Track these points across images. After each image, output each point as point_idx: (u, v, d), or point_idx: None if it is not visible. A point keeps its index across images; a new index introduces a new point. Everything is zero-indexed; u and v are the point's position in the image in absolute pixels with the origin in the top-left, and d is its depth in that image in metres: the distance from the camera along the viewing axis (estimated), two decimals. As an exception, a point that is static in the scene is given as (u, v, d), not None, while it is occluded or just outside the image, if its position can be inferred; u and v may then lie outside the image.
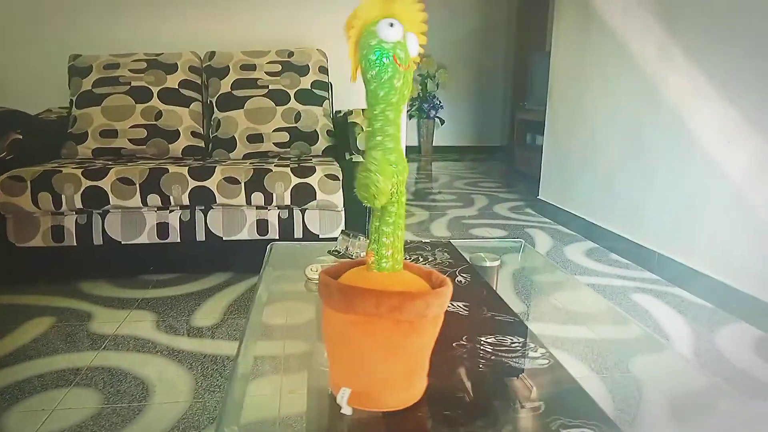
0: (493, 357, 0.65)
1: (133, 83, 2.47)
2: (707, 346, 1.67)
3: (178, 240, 2.08)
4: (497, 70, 6.53)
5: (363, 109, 2.33)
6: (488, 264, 0.98)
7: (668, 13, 2.27)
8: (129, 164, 2.13)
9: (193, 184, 2.02)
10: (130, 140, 2.39)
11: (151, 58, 2.56)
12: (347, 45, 0.57)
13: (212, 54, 2.65)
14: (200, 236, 2.09)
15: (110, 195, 1.97)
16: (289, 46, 2.91)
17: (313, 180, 2.08)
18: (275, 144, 2.49)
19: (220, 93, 2.55)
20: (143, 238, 2.06)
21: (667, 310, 1.96)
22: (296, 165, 2.14)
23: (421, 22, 0.54)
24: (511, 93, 6.37)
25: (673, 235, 2.26)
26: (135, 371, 1.46)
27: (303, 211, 2.13)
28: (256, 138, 2.47)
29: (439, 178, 4.89)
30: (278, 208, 2.11)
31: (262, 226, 2.11)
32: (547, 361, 0.65)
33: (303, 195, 2.07)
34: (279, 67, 2.61)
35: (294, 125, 2.51)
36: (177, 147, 2.44)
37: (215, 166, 2.07)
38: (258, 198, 2.05)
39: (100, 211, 2.01)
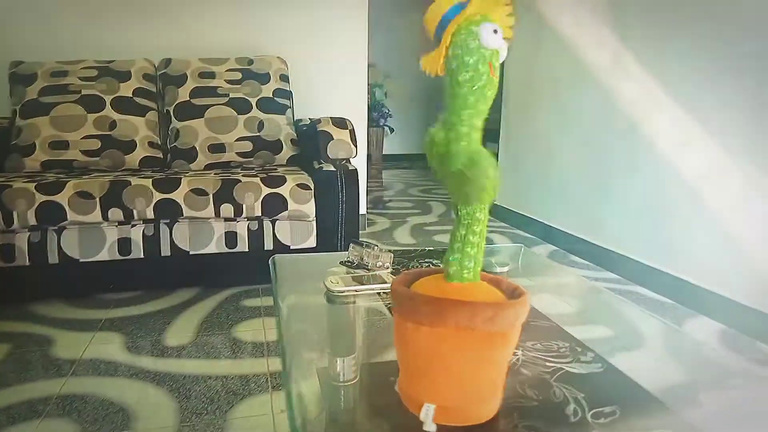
0: (549, 363, 0.65)
1: (84, 91, 2.34)
2: (677, 341, 1.75)
3: (142, 256, 1.98)
4: (443, 77, 6.64)
5: (334, 118, 2.30)
6: (498, 270, 0.98)
7: (621, 23, 2.38)
8: (84, 177, 2.00)
9: (158, 196, 1.93)
10: (82, 152, 2.25)
11: (102, 66, 2.44)
12: (428, 33, 0.55)
13: (168, 61, 2.55)
14: (165, 251, 2.00)
15: (68, 210, 1.85)
16: (247, 53, 2.85)
17: (284, 190, 2.03)
18: (238, 154, 2.41)
19: (177, 101, 2.45)
20: (103, 255, 1.94)
21: (632, 308, 2.04)
22: (265, 175, 2.08)
23: (509, 28, 0.53)
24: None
25: (632, 235, 2.37)
26: (111, 397, 1.37)
27: (273, 222, 2.08)
28: (218, 148, 2.39)
29: (393, 186, 4.91)
30: (248, 220, 2.05)
31: (230, 238, 2.04)
32: (600, 365, 0.65)
33: (274, 205, 2.02)
34: (239, 75, 2.54)
35: (257, 134, 2.45)
36: (134, 158, 2.32)
37: (181, 178, 1.99)
38: (227, 209, 1.99)
39: (56, 228, 1.88)
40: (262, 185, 2.02)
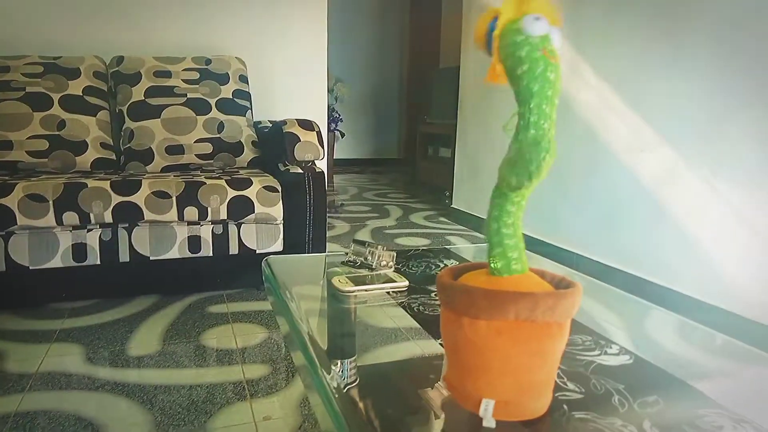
0: (578, 357, 0.66)
1: (29, 89, 2.20)
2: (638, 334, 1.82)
3: (98, 262, 1.87)
4: (393, 84, 6.70)
5: (300, 120, 2.26)
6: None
7: (576, 31, 2.48)
8: (33, 179, 1.88)
9: (117, 199, 1.83)
10: (28, 152, 2.11)
11: (49, 62, 2.30)
12: (480, 49, 0.55)
13: (120, 59, 2.43)
14: (124, 257, 1.90)
15: (17, 214, 1.73)
16: (203, 53, 2.77)
17: (250, 192, 1.98)
18: (197, 156, 2.33)
19: (131, 101, 2.35)
20: (56, 262, 1.82)
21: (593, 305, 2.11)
22: (230, 177, 2.02)
23: (555, 15, 0.53)
24: (406, 107, 6.56)
25: (590, 237, 2.46)
26: (76, 411, 1.28)
27: (239, 226, 2.02)
28: (176, 149, 2.30)
29: (348, 190, 4.89)
30: (212, 223, 1.98)
31: (193, 243, 1.97)
32: (629, 357, 0.66)
33: (240, 208, 1.97)
34: (197, 75, 2.46)
35: (217, 136, 2.37)
36: (85, 160, 2.20)
37: (141, 180, 1.90)
38: (191, 213, 1.91)
39: (3, 233, 1.75)
40: (227, 188, 1.96)
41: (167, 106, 2.35)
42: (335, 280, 0.85)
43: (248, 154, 2.43)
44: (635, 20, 2.16)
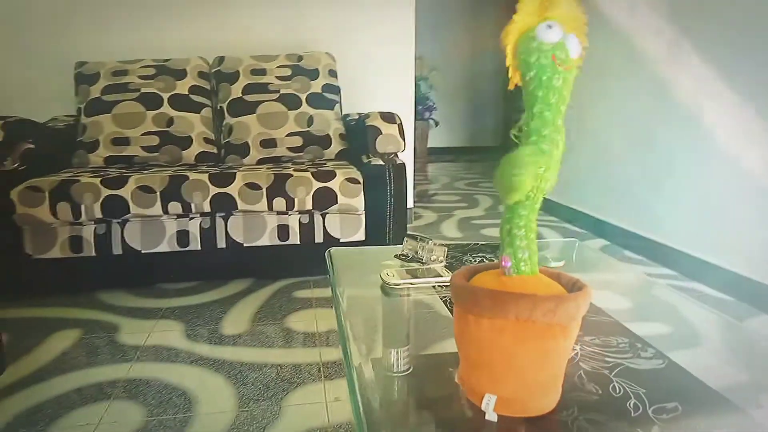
0: (606, 358, 0.65)
1: (143, 90, 2.44)
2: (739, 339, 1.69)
3: (199, 248, 2.06)
4: (490, 69, 6.58)
5: (383, 113, 2.31)
6: (553, 265, 0.98)
7: (678, 10, 2.30)
8: (145, 172, 2.10)
9: (214, 190, 2.00)
10: (142, 147, 2.35)
11: (160, 64, 2.53)
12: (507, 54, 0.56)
13: (221, 59, 2.62)
14: (221, 243, 2.07)
15: (130, 203, 1.94)
16: (297, 49, 2.90)
17: (334, 184, 2.07)
18: (288, 149, 2.47)
19: (231, 98, 2.53)
20: (163, 247, 2.03)
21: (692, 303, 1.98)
22: (316, 169, 2.13)
23: (581, 23, 0.53)
24: (504, 93, 6.41)
25: (690, 231, 2.29)
26: (174, 382, 1.44)
27: (324, 216, 2.12)
28: (269, 143, 2.45)
29: (438, 180, 4.90)
30: (299, 213, 2.10)
31: (282, 231, 2.10)
32: (662, 361, 0.65)
33: (324, 199, 2.06)
34: (289, 71, 2.59)
35: (307, 129, 2.49)
36: (190, 154, 2.41)
37: (236, 172, 2.05)
38: (279, 203, 2.04)
39: (120, 221, 1.98)
40: (313, 179, 2.06)
41: (262, 102, 2.50)
42: (383, 273, 0.89)
43: (336, 147, 2.53)
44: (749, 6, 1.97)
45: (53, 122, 2.49)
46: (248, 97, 2.51)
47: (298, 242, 2.12)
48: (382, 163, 2.16)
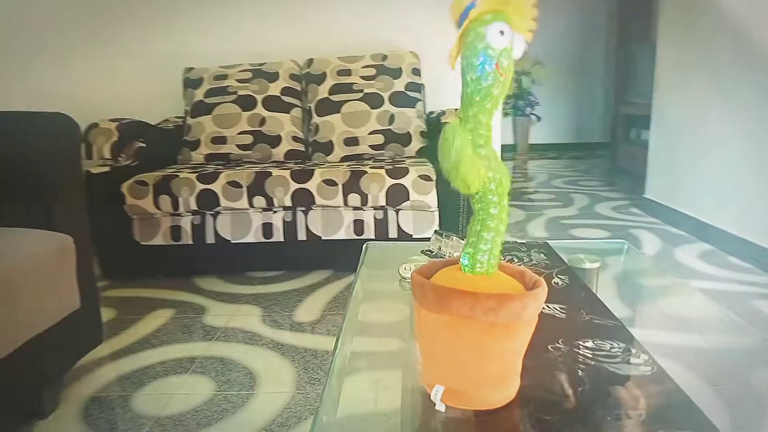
0: (591, 362, 0.63)
1: (240, 92, 2.64)
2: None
3: (282, 239, 2.20)
4: (597, 63, 6.24)
5: (455, 109, 2.32)
6: (588, 266, 0.95)
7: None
8: (237, 168, 2.28)
9: (294, 186, 2.13)
10: (237, 146, 2.55)
11: (256, 68, 2.72)
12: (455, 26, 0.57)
13: (310, 61, 2.76)
14: (301, 236, 2.20)
15: (221, 197, 2.12)
16: (383, 49, 2.97)
17: (406, 181, 2.11)
18: (370, 146, 2.55)
19: (318, 98, 2.66)
20: (250, 238, 2.19)
21: (718, 315, 1.78)
22: (391, 166, 2.18)
23: (531, 21, 0.54)
24: (613, 87, 6.05)
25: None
26: (243, 362, 1.57)
27: (397, 212, 2.17)
28: (352, 141, 2.55)
29: (536, 177, 4.76)
30: (373, 209, 2.17)
31: (358, 226, 2.18)
32: (650, 369, 0.62)
33: (397, 196, 2.11)
34: (373, 71, 2.67)
35: (388, 127, 2.56)
36: (279, 151, 2.57)
37: (314, 169, 2.17)
38: (354, 199, 2.12)
39: (212, 212, 2.17)
40: (386, 176, 2.12)
41: (346, 101, 2.60)
42: (401, 268, 0.92)
43: (416, 144, 2.57)
44: None
45: (165, 123, 2.78)
46: (334, 97, 2.62)
47: (373, 237, 2.19)
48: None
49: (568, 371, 0.62)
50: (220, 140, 2.56)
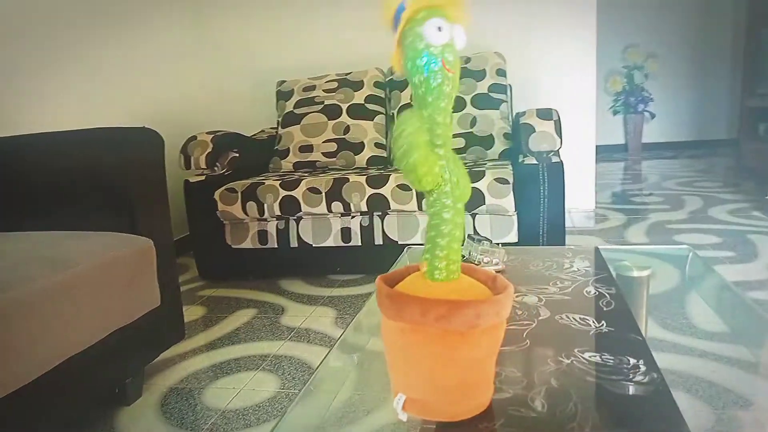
0: (588, 377, 0.58)
1: (326, 102, 2.73)
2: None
3: (359, 243, 2.24)
4: (721, 51, 5.66)
5: (540, 109, 2.23)
6: (635, 274, 0.86)
7: None
8: (319, 175, 2.36)
9: (370, 191, 2.16)
10: (323, 153, 2.65)
11: (342, 78, 2.81)
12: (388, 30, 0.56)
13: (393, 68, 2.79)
14: (378, 240, 2.23)
15: (302, 203, 2.21)
16: (469, 51, 2.93)
17: (481, 184, 2.06)
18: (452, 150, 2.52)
19: (400, 104, 2.68)
20: (329, 242, 2.26)
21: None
22: (467, 170, 2.14)
23: (464, 8, 0.51)
24: (740, 77, 5.45)
25: None
26: (310, 362, 1.62)
27: (473, 216, 2.12)
28: (433, 145, 2.53)
29: (646, 178, 4.41)
30: (449, 214, 2.13)
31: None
32: (652, 389, 0.55)
33: (471, 200, 2.06)
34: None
35: (470, 130, 2.52)
36: (362, 158, 2.63)
37: (390, 175, 2.19)
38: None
39: (295, 218, 2.27)
40: (461, 180, 2.08)
41: (428, 106, 2.60)
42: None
43: (499, 147, 2.50)
44: None
45: (260, 134, 2.95)
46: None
47: (450, 242, 2.16)
48: (535, 162, 2.08)
49: (558, 386, 0.57)
50: (306, 148, 2.67)
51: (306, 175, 2.43)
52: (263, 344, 1.76)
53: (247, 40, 3.26)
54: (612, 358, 0.62)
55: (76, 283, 1.20)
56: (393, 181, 2.15)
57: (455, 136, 2.51)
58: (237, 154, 2.56)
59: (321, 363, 0.88)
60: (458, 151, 2.50)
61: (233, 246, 2.35)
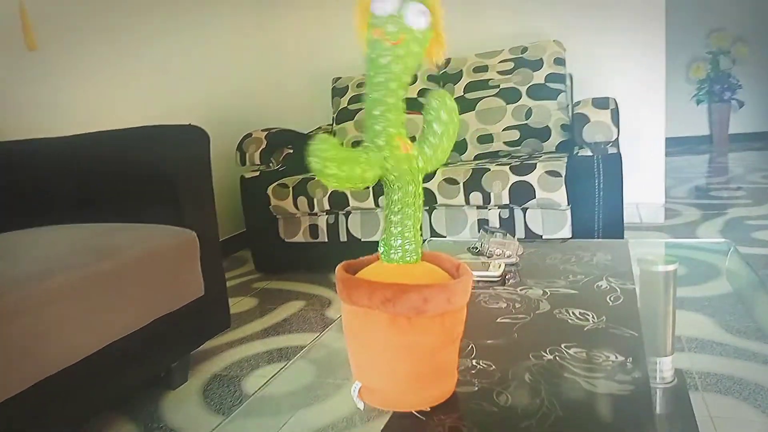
0: (566, 374, 0.54)
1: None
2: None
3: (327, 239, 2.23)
4: None
5: (596, 98, 2.13)
6: (659, 269, 0.79)
7: None
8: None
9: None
10: (504, 143, 2.61)
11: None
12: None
13: (448, 61, 2.75)
14: (426, 235, 2.20)
15: (350, 198, 2.23)
16: (525, 41, 2.84)
17: (531, 178, 1.99)
18: (505, 143, 2.45)
19: (453, 97, 2.63)
20: (377, 236, 2.25)
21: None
22: (518, 163, 2.08)
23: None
24: None
25: None
26: (345, 352, 1.63)
27: (524, 211, 2.06)
28: (486, 138, 2.48)
29: (729, 171, 4.09)
30: (498, 208, 2.08)
31: (482, 225, 2.11)
32: (632, 388, 0.50)
33: (521, 193, 2.00)
34: (511, 65, 2.56)
35: (524, 122, 2.43)
36: (414, 152, 2.61)
37: (436, 170, 2.15)
38: (476, 197, 2.06)
39: (344, 212, 2.29)
40: (510, 173, 2.02)
41: (481, 98, 2.54)
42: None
43: (556, 138, 2.40)
44: None
45: (316, 131, 3.00)
46: (468, 95, 2.58)
47: (499, 237, 2.10)
48: (590, 153, 1.98)
49: (530, 381, 0.54)
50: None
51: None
52: (307, 335, 1.80)
53: (305, 40, 3.33)
54: (599, 354, 0.57)
55: (121, 270, 1.27)
56: (440, 175, 2.12)
57: (509, 128, 2.44)
58: (291, 151, 2.62)
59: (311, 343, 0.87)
60: (512, 143, 2.44)
61: (286, 240, 2.41)
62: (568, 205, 1.99)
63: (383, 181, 0.56)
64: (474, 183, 2.06)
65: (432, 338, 0.49)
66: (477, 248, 0.96)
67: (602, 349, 0.58)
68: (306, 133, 2.90)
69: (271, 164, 2.50)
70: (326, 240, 2.35)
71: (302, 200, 2.30)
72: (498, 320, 0.68)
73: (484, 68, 2.62)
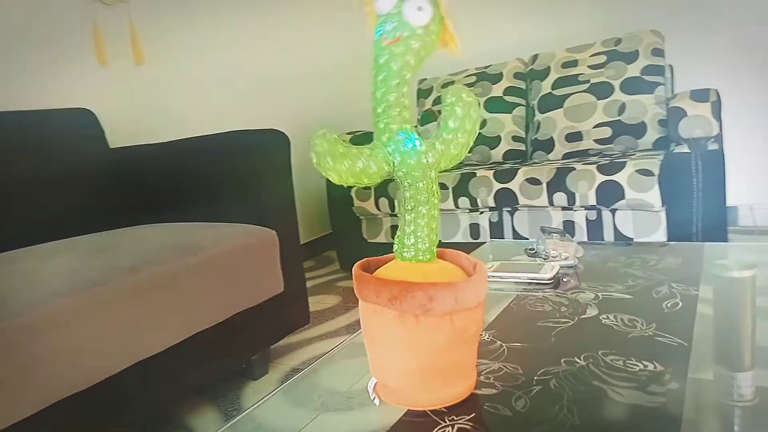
0: (596, 382, 0.50)
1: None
2: None
3: (488, 240, 2.19)
4: None
5: (695, 90, 1.96)
6: (734, 275, 0.72)
7: None
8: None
9: (497, 186, 2.10)
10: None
11: (481, 71, 2.76)
12: None
13: (535, 57, 2.67)
14: (508, 236, 2.15)
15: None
16: (620, 32, 2.68)
17: (620, 177, 1.87)
18: (596, 141, 2.33)
19: (541, 94, 2.55)
20: (458, 237, 2.25)
21: None
22: (608, 161, 1.96)
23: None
24: None
25: None
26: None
27: (613, 212, 1.94)
28: (574, 136, 2.37)
29: None
30: (585, 209, 1.98)
31: (568, 227, 2.02)
32: (664, 400, 0.45)
33: (609, 194, 1.89)
34: (603, 59, 2.43)
35: (617, 118, 2.30)
36: (498, 152, 2.56)
37: (518, 168, 2.10)
38: (560, 198, 1.98)
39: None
40: (596, 173, 1.92)
41: (570, 95, 2.43)
42: (487, 265, 0.84)
43: (653, 135, 2.24)
44: None
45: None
46: (557, 92, 2.48)
47: (586, 239, 2.01)
48: (687, 150, 1.83)
49: (554, 387, 0.51)
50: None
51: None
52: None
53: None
54: (636, 363, 0.53)
55: (203, 266, 1.37)
56: (521, 175, 2.06)
57: (600, 125, 2.31)
58: (376, 153, 2.66)
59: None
60: (604, 141, 2.31)
61: (369, 240, 2.46)
62: (663, 206, 1.85)
63: (395, 178, 0.56)
64: (558, 183, 1.97)
65: (441, 337, 0.48)
66: (533, 249, 0.92)
67: (641, 358, 0.54)
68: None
69: (356, 166, 2.56)
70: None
71: (383, 201, 2.34)
72: (538, 323, 0.65)
73: (574, 63, 2.50)
